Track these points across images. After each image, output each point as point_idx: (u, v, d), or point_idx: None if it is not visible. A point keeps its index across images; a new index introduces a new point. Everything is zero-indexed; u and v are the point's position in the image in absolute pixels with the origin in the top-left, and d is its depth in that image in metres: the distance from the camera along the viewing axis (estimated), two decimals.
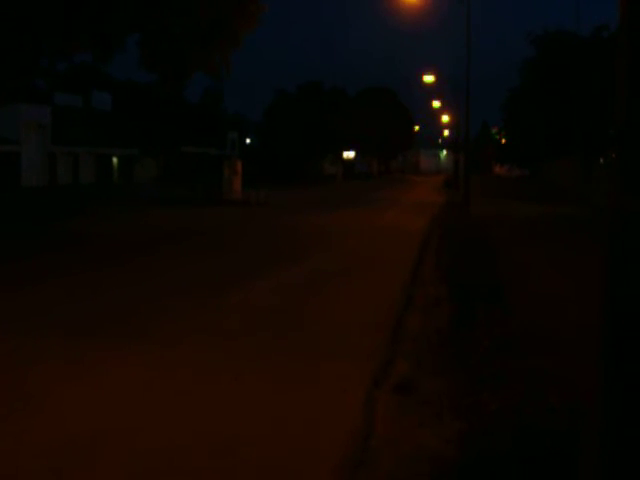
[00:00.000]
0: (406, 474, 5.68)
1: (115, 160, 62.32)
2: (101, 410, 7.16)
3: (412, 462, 5.86)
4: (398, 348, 9.47)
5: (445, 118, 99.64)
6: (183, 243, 22.39)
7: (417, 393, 7.55)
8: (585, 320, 10.04)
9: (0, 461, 5.96)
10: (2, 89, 25.03)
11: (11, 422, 6.81)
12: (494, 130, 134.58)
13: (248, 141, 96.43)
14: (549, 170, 75.39)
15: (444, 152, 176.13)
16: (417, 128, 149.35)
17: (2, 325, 10.76)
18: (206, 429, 6.68)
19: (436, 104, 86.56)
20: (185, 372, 8.44)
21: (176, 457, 6.04)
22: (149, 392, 7.74)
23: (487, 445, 5.72)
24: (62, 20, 21.02)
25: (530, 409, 6.25)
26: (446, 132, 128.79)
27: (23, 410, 7.13)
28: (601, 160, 57.80)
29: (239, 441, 6.40)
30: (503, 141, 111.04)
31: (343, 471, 5.80)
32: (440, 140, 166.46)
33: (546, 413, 6.08)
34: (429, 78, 60.44)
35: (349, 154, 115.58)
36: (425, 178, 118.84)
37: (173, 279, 15.38)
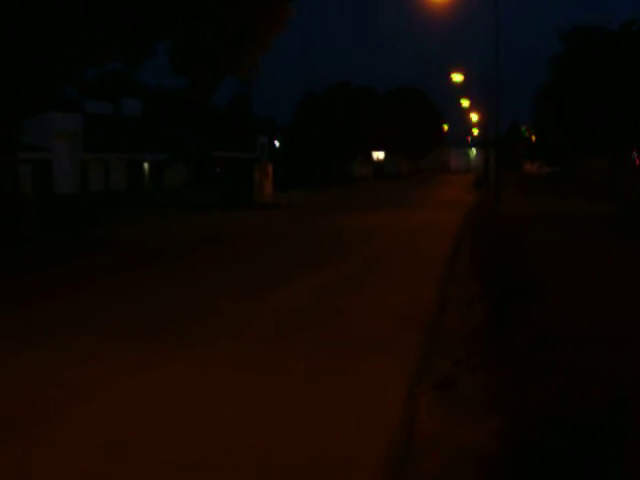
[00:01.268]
0: (449, 471, 5.67)
1: (146, 166, 62.68)
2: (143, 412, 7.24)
3: (455, 459, 5.85)
4: (436, 345, 9.47)
5: (474, 117, 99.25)
6: (216, 247, 22.47)
7: (458, 389, 7.54)
8: (624, 316, 10.00)
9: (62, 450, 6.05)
10: (34, 98, 25.24)
11: (57, 422, 6.91)
12: (524, 127, 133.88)
13: (277, 144, 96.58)
14: (580, 166, 74.88)
15: (473, 151, 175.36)
16: (446, 127, 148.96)
17: (40, 329, 10.90)
18: (259, 427, 6.74)
19: (465, 103, 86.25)
20: (225, 373, 8.49)
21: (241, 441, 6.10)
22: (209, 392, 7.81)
23: (530, 439, 5.70)
24: (94, 29, 21.19)
25: (572, 402, 6.23)
26: (475, 130, 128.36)
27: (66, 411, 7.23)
28: (634, 155, 57.34)
29: (283, 439, 6.45)
30: (533, 138, 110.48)
31: (388, 467, 5.81)
32: (470, 138, 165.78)
33: (589, 406, 6.05)
34: (458, 77, 60.23)
35: (379, 155, 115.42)
36: (455, 177, 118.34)
37: (209, 281, 15.46)
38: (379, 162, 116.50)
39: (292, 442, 6.39)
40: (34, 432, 6.68)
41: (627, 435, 5.57)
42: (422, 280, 15.41)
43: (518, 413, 6.32)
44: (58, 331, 10.71)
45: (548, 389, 6.65)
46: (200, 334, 10.45)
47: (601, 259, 16.73)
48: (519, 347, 8.35)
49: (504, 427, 6.18)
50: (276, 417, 7.05)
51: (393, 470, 5.77)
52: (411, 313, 11.91)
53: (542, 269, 14.82)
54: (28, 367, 8.86)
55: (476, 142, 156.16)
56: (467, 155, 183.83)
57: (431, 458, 5.88)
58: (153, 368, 8.69)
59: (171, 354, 9.28)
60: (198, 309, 12.36)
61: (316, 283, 14.93)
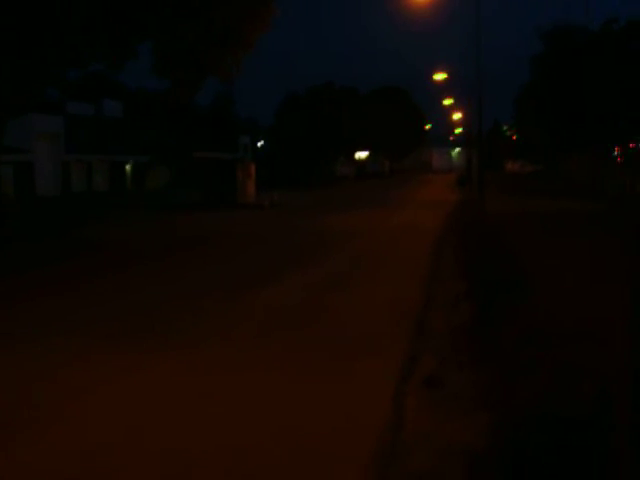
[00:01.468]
0: (438, 466, 5.71)
1: (128, 167, 62.52)
2: (130, 412, 7.24)
3: (443, 454, 5.89)
4: (422, 343, 9.51)
5: (457, 116, 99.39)
6: (200, 247, 22.47)
7: (445, 387, 7.58)
8: (608, 312, 10.06)
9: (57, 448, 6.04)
10: (14, 99, 25.13)
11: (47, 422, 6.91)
12: (505, 127, 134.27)
13: (260, 145, 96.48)
14: (562, 165, 75.22)
15: (456, 150, 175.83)
16: (429, 126, 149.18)
17: (28, 329, 10.88)
18: (245, 424, 6.76)
19: (447, 102, 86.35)
20: (214, 371, 8.50)
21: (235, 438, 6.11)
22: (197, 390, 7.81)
23: (517, 435, 5.74)
24: (76, 30, 21.12)
25: (559, 399, 6.27)
26: (457, 130, 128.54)
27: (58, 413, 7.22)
28: (615, 152, 57.64)
29: (272, 436, 6.47)
30: (514, 137, 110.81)
31: (377, 463, 5.84)
32: (452, 138, 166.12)
33: (576, 402, 6.09)
34: (440, 76, 60.25)
35: (361, 154, 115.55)
36: (437, 176, 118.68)
37: (193, 282, 15.47)
38: (361, 162, 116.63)
39: (281, 441, 6.41)
40: (20, 434, 6.67)
41: (613, 431, 5.61)
42: (407, 279, 15.43)
43: (505, 410, 6.36)
44: (45, 332, 10.70)
45: (535, 386, 6.69)
46: (188, 334, 10.46)
47: (586, 257, 16.80)
48: (505, 344, 8.40)
49: (492, 424, 6.21)
50: (265, 416, 7.06)
51: (382, 466, 5.80)
52: (397, 311, 11.94)
53: (527, 267, 14.87)
54: (15, 367, 8.85)
55: (458, 141, 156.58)
56: (449, 154, 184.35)
57: (420, 454, 5.92)
58: (141, 369, 8.69)
59: (158, 355, 9.28)
60: (185, 309, 12.37)
61: (302, 282, 14.95)
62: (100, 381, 8.22)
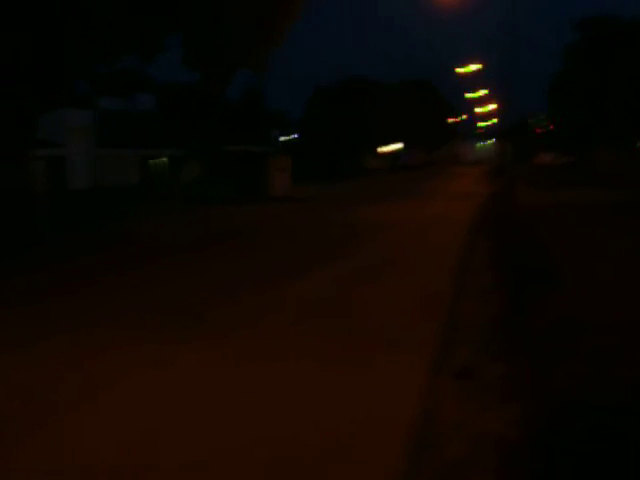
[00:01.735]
0: (471, 456, 5.69)
1: (160, 161, 62.80)
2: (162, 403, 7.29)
3: (477, 445, 5.87)
4: (455, 334, 9.47)
5: (485, 108, 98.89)
6: (231, 240, 22.50)
7: (477, 378, 7.54)
8: None
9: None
10: (48, 95, 25.33)
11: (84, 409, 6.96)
12: (538, 117, 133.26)
13: (289, 137, 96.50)
14: (595, 157, 74.57)
15: (486, 142, 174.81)
16: (464, 117, 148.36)
17: (67, 321, 10.99)
18: (278, 416, 6.77)
19: (478, 94, 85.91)
20: (242, 362, 8.53)
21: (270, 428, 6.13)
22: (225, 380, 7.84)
23: (551, 424, 5.70)
24: (104, 23, 21.21)
25: (593, 387, 6.22)
26: (483, 123, 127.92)
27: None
28: None
29: (305, 429, 6.47)
30: (552, 127, 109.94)
31: (411, 453, 5.82)
32: (482, 130, 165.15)
33: (610, 390, 6.04)
34: (468, 68, 60.00)
35: (392, 147, 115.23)
36: (468, 168, 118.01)
37: (223, 274, 15.49)
38: (392, 154, 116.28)
39: (313, 430, 6.42)
40: (53, 420, 6.75)
41: None
42: (438, 269, 15.38)
43: (539, 399, 6.31)
44: (79, 323, 10.79)
45: (569, 375, 6.65)
46: (217, 325, 10.49)
47: (618, 248, 16.66)
48: (538, 334, 8.35)
49: (525, 414, 6.18)
50: (299, 407, 7.07)
51: (416, 454, 5.79)
52: (429, 302, 11.90)
53: (559, 258, 14.78)
54: (48, 357, 8.93)
55: (488, 134, 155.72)
56: (478, 147, 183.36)
57: (453, 444, 5.90)
58: (170, 359, 8.72)
59: (188, 345, 9.31)
60: (215, 301, 12.40)
61: (333, 275, 14.93)
62: (128, 372, 8.27)
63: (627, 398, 5.81)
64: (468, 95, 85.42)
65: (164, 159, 62.69)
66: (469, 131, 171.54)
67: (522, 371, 7.34)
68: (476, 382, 7.44)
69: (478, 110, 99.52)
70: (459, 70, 59.55)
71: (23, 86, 22.54)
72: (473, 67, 59.27)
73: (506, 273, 12.97)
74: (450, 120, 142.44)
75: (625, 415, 5.51)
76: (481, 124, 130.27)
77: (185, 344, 9.39)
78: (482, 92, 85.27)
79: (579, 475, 5.03)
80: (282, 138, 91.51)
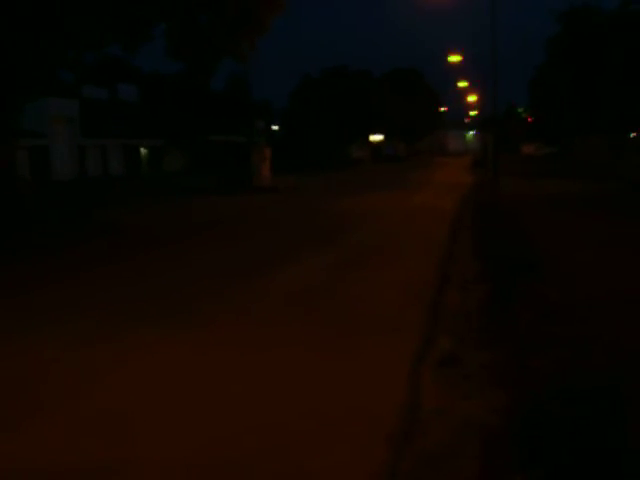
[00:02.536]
0: (455, 442, 5.76)
1: (143, 151, 62.69)
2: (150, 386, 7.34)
3: (460, 431, 5.95)
4: (438, 322, 9.55)
5: (472, 98, 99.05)
6: (217, 231, 22.50)
7: (461, 366, 7.62)
8: (623, 288, 10.07)
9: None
10: (31, 83, 25.21)
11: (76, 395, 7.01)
12: (521, 109, 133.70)
13: (275, 128, 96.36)
14: (578, 147, 74.86)
15: (471, 132, 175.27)
16: (444, 109, 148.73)
17: (55, 311, 11.00)
18: (258, 401, 6.84)
19: (462, 84, 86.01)
20: (232, 347, 8.59)
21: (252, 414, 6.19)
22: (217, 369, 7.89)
23: (534, 411, 5.79)
24: (92, 12, 21.14)
25: (575, 374, 6.31)
26: (473, 112, 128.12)
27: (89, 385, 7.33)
28: (632, 135, 57.32)
29: (290, 415, 6.54)
30: (530, 119, 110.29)
31: (395, 440, 5.89)
32: (467, 120, 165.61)
33: (591, 375, 6.13)
34: (454, 57, 60.00)
35: (376, 137, 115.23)
36: (452, 159, 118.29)
37: (210, 264, 15.51)
38: (377, 145, 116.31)
39: (299, 417, 6.48)
40: (52, 406, 6.80)
41: (629, 402, 5.65)
42: (423, 258, 15.46)
43: (522, 386, 6.40)
44: (65, 313, 10.80)
45: (551, 362, 6.73)
46: (207, 314, 10.52)
47: (602, 237, 16.80)
48: (522, 322, 8.43)
49: (508, 401, 6.26)
50: (286, 394, 7.14)
51: (400, 440, 5.87)
52: (414, 290, 11.97)
53: (542, 247, 14.90)
54: (43, 346, 8.95)
55: (474, 124, 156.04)
56: (464, 137, 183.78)
57: (436, 430, 5.98)
58: (161, 348, 8.77)
59: (180, 333, 9.35)
60: (204, 291, 12.43)
61: (320, 263, 15.02)
62: (120, 360, 8.32)
63: (606, 382, 5.90)
64: (460, 84, 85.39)
65: (148, 149, 62.54)
66: (457, 121, 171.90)
67: (505, 359, 7.42)
68: (460, 370, 7.51)
69: (471, 99, 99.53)
70: (450, 59, 59.48)
71: (5, 75, 22.43)
72: (454, 58, 59.28)
73: (490, 262, 13.06)
74: (442, 109, 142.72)
75: (603, 400, 5.60)
76: (472, 113, 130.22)
77: (177, 333, 9.44)
78: (465, 83, 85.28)
79: (563, 459, 5.11)
80: (274, 127, 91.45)
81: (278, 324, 9.86)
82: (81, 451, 5.90)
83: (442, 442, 5.80)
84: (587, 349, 6.99)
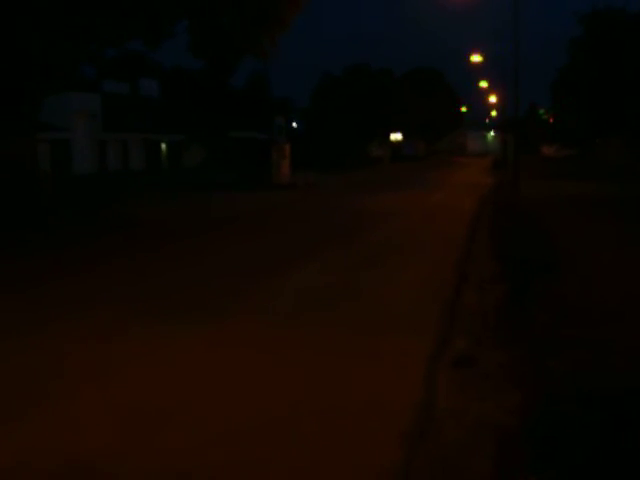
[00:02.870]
0: (470, 442, 5.76)
1: (164, 146, 62.85)
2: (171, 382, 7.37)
3: (476, 431, 5.94)
4: (455, 322, 9.54)
5: (492, 99, 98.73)
6: (235, 226, 22.58)
7: (478, 366, 7.61)
8: None
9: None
10: (53, 77, 25.30)
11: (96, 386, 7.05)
12: (542, 110, 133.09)
13: (295, 125, 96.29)
14: (599, 149, 74.48)
15: (491, 133, 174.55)
16: (464, 109, 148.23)
17: (69, 305, 11.06)
18: (274, 399, 6.85)
19: (483, 84, 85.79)
20: (246, 346, 8.62)
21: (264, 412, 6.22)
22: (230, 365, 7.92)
23: (549, 412, 5.77)
24: (114, 8, 21.19)
25: (593, 375, 6.28)
26: (493, 113, 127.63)
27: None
28: None
29: (305, 412, 6.55)
30: (551, 121, 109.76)
31: (410, 439, 5.89)
32: (487, 121, 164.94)
33: (609, 378, 6.10)
34: (476, 58, 59.87)
35: (396, 136, 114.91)
36: (472, 160, 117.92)
37: (226, 261, 15.55)
38: (396, 144, 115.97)
39: (314, 415, 6.49)
40: (71, 394, 6.85)
41: None
42: (442, 257, 15.48)
43: (537, 387, 6.38)
44: (81, 307, 10.87)
45: (567, 364, 6.71)
46: (222, 310, 10.54)
47: (620, 240, 16.73)
48: (539, 324, 8.41)
49: (523, 402, 6.25)
50: (298, 390, 7.15)
51: (415, 438, 5.86)
52: (432, 290, 11.99)
53: (560, 247, 14.85)
54: (59, 339, 9.01)
55: (494, 125, 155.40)
56: (485, 138, 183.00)
57: (451, 430, 5.97)
58: (174, 344, 8.81)
59: (196, 329, 9.39)
60: (220, 287, 12.45)
61: (340, 260, 15.10)
62: (139, 352, 8.38)
63: (624, 385, 5.88)
64: (482, 84, 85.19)
65: (167, 145, 62.68)
66: (477, 121, 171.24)
67: (523, 360, 7.40)
68: (476, 370, 7.49)
69: (492, 100, 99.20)
70: (472, 59, 59.32)
71: (26, 68, 22.52)
72: (475, 58, 59.12)
73: (508, 263, 13.03)
74: (462, 109, 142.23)
75: (621, 403, 5.58)
76: (493, 113, 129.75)
77: (192, 328, 9.48)
78: (486, 83, 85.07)
79: (577, 460, 5.10)
80: (294, 125, 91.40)
81: (293, 323, 9.87)
82: (95, 439, 5.94)
83: (457, 441, 5.79)
84: (604, 351, 6.97)
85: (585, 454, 5.10)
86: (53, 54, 22.72)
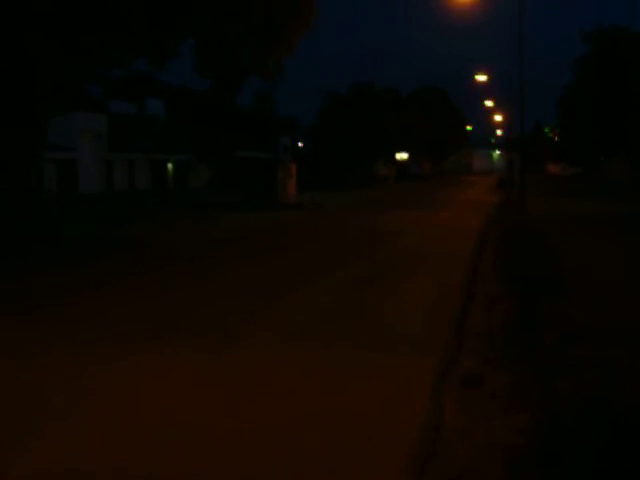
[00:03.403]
0: (478, 464, 5.72)
1: (170, 166, 63.02)
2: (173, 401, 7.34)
3: (484, 453, 5.90)
4: (462, 342, 9.50)
5: (498, 117, 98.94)
6: (242, 246, 22.59)
7: (484, 386, 7.57)
8: None
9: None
10: (59, 97, 25.43)
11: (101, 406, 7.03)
12: (547, 128, 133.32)
13: (300, 145, 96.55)
14: (604, 168, 74.54)
15: (497, 152, 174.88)
16: (470, 128, 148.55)
17: (81, 324, 11.05)
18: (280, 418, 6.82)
19: (489, 103, 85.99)
20: (257, 367, 8.59)
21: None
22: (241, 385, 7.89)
23: (558, 432, 5.74)
24: (121, 28, 21.30)
25: (600, 396, 6.25)
26: (499, 131, 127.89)
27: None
28: None
29: (309, 433, 6.52)
30: (556, 139, 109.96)
31: (417, 461, 5.85)
32: (493, 140, 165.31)
33: (616, 396, 6.07)
34: (481, 77, 60.03)
35: (402, 155, 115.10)
36: (478, 178, 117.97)
37: (240, 280, 15.56)
38: (402, 163, 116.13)
39: (319, 434, 6.45)
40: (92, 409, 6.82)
41: None
42: (449, 276, 15.46)
43: (545, 407, 6.34)
44: (83, 328, 10.84)
45: (575, 385, 6.68)
46: (228, 331, 10.52)
47: (627, 258, 16.69)
48: (546, 344, 8.38)
49: (531, 422, 6.21)
50: (306, 411, 7.12)
51: (422, 461, 5.82)
52: (439, 309, 11.97)
53: (568, 267, 14.81)
54: (61, 360, 8.98)
55: (500, 143, 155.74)
56: (490, 156, 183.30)
57: (458, 451, 5.93)
58: (177, 367, 8.79)
59: (203, 351, 9.37)
60: (227, 308, 12.42)
61: (347, 279, 15.12)
62: (142, 375, 8.35)
63: (632, 404, 5.85)
64: (487, 103, 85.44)
65: (174, 164, 62.84)
66: (483, 140, 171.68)
67: (530, 381, 7.36)
68: (483, 390, 7.46)
69: (497, 118, 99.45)
70: (477, 77, 59.52)
71: (35, 88, 22.63)
72: (481, 77, 59.31)
73: (516, 282, 13.00)
74: (468, 128, 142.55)
75: (630, 423, 5.55)
76: (499, 132, 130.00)
77: (200, 350, 9.46)
78: (491, 102, 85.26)
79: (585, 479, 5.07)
80: (300, 144, 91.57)
81: (301, 340, 9.86)
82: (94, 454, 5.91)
83: (465, 462, 5.75)
84: (612, 371, 6.93)
85: (593, 474, 5.06)
86: (63, 72, 22.84)
